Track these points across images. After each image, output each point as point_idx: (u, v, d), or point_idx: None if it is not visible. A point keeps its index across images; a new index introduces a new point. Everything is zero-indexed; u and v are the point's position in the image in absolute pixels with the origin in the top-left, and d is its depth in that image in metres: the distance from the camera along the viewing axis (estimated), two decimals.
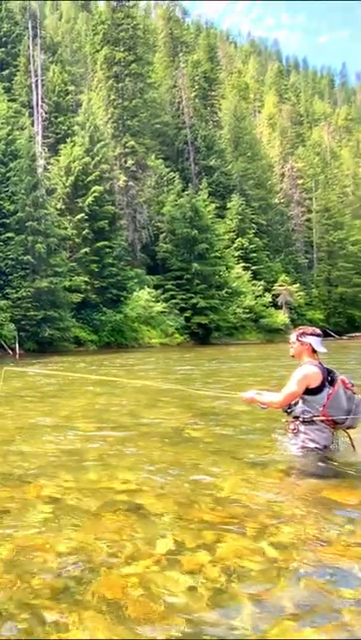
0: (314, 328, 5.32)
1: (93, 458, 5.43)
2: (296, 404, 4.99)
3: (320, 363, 5.04)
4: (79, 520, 3.66)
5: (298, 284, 62.23)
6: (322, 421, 4.92)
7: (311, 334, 5.15)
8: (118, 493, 4.23)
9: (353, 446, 5.02)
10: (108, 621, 2.44)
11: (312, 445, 4.98)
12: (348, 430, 5.01)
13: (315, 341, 5.10)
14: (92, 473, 4.86)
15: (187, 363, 22.83)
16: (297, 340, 5.17)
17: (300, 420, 4.99)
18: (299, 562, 2.99)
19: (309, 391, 4.90)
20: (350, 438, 5.02)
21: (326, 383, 4.90)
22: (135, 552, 3.13)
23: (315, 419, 4.91)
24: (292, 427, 5.09)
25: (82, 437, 6.57)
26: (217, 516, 3.66)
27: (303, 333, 5.18)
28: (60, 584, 2.78)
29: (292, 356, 5.25)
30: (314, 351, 5.10)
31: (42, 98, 48.60)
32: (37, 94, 48.36)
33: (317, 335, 5.18)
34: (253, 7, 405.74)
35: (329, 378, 4.95)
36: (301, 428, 5.00)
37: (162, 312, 44.37)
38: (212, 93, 73.00)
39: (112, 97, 52.25)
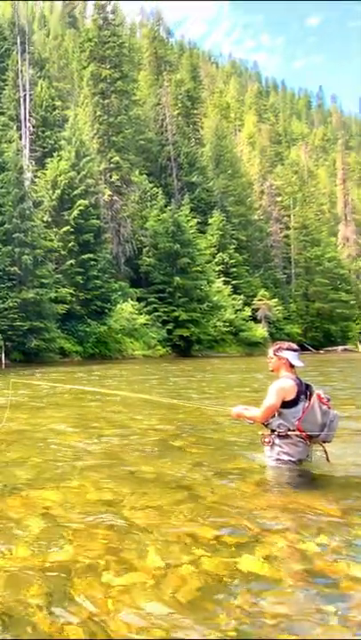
0: (290, 343, 5.35)
1: (78, 469, 5.41)
2: (273, 416, 5.03)
3: (297, 377, 5.09)
4: (62, 533, 3.64)
5: (276, 299, 62.96)
6: (297, 435, 4.94)
7: (287, 349, 5.19)
8: (101, 506, 4.20)
9: (327, 459, 5.08)
10: (91, 636, 2.45)
11: (286, 458, 5.02)
12: (323, 443, 5.05)
13: (291, 356, 5.14)
14: (75, 485, 4.82)
15: (176, 375, 22.92)
16: (274, 354, 5.22)
17: (276, 433, 5.04)
18: (279, 574, 3.01)
19: (285, 404, 4.93)
20: (325, 451, 5.07)
21: (302, 397, 4.94)
22: (117, 566, 3.12)
23: (289, 432, 4.95)
24: (267, 440, 5.13)
25: (67, 449, 6.55)
26: (198, 528, 3.66)
27: (280, 348, 5.21)
28: (44, 599, 2.76)
29: (271, 371, 5.28)
30: (292, 365, 5.13)
31: (29, 112, 48.76)
32: (25, 108, 48.50)
33: (293, 350, 5.20)
34: (234, 30, 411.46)
35: (307, 392, 5.00)
36: (276, 441, 5.05)
37: (145, 324, 44.51)
38: (195, 112, 73.93)
39: (98, 113, 52.61)
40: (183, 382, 18.85)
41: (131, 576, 2.98)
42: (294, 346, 5.27)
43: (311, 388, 5.05)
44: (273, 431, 5.06)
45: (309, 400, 4.92)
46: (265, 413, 5.04)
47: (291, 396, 4.91)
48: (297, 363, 5.12)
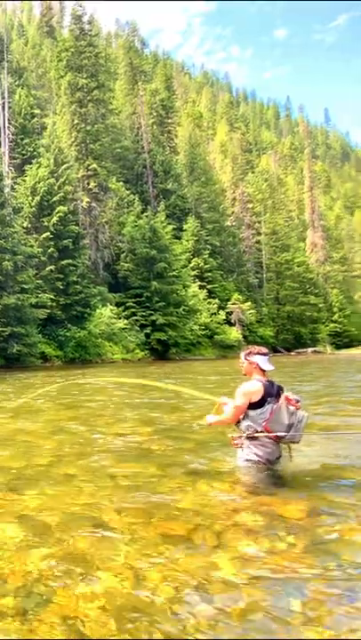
0: (260, 347, 5.35)
1: (57, 473, 5.41)
2: (243, 418, 5.05)
3: (268, 380, 5.08)
4: (40, 537, 3.62)
5: (249, 303, 63.29)
6: (265, 436, 4.95)
7: (257, 353, 5.19)
8: (77, 507, 4.20)
9: (290, 456, 5.11)
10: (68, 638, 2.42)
11: (255, 459, 5.02)
12: (291, 443, 5.06)
13: (261, 360, 5.14)
14: (54, 488, 4.81)
15: (165, 376, 22.80)
16: (245, 359, 5.23)
17: (245, 435, 5.04)
18: (249, 573, 3.01)
19: (252, 406, 4.94)
20: (290, 450, 5.11)
21: (269, 399, 4.93)
22: (93, 568, 3.10)
23: (257, 434, 4.96)
24: (236, 441, 5.16)
25: (46, 453, 6.52)
26: (173, 530, 3.67)
27: (250, 353, 5.22)
28: (20, 603, 2.73)
29: (244, 374, 5.27)
30: (263, 369, 5.14)
31: (9, 120, 48.07)
32: (4, 116, 47.80)
33: (263, 354, 5.21)
34: (206, 41, 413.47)
35: (278, 394, 4.98)
36: (246, 442, 5.06)
37: (123, 328, 44.26)
38: (169, 121, 73.78)
39: (75, 121, 52.18)
40: (186, 382, 18.65)
41: (106, 578, 2.97)
42: (264, 350, 5.28)
43: (282, 389, 5.04)
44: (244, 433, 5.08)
45: (277, 401, 4.92)
46: (232, 415, 5.06)
47: (257, 398, 4.92)
48: (267, 366, 5.12)
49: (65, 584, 2.92)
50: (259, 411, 4.92)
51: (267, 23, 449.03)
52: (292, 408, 4.84)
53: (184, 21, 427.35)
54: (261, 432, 4.93)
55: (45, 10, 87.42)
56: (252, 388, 4.99)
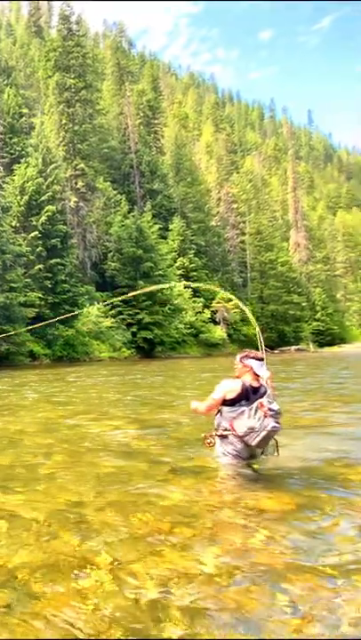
0: (256, 352, 5.34)
1: (43, 470, 5.40)
2: (218, 413, 5.11)
3: (256, 386, 5.06)
4: (26, 534, 3.61)
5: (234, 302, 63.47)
6: (233, 435, 4.94)
7: (253, 358, 5.19)
8: (64, 505, 4.19)
9: (277, 452, 5.24)
10: (55, 636, 2.43)
11: (229, 457, 5.06)
12: (275, 438, 5.03)
13: (255, 365, 5.13)
14: (41, 486, 4.80)
15: (160, 375, 23.08)
16: (240, 361, 5.22)
17: (217, 433, 5.09)
18: (234, 567, 3.03)
19: (225, 402, 4.99)
20: (276, 445, 5.19)
21: (244, 401, 4.91)
22: (79, 565, 3.09)
23: (225, 432, 4.99)
24: (208, 441, 5.21)
25: (33, 450, 6.49)
26: (157, 526, 3.68)
27: (246, 356, 5.22)
28: (6, 599, 2.72)
29: (237, 376, 5.21)
30: (256, 374, 5.11)
31: None
32: None
33: (259, 359, 5.20)
34: (192, 42, 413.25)
35: (256, 398, 4.92)
36: (217, 440, 5.13)
37: (110, 327, 44.45)
38: (156, 121, 73.99)
39: (63, 121, 52.23)
40: (171, 380, 18.96)
41: (91, 574, 2.97)
42: (260, 355, 5.30)
43: (265, 396, 4.95)
44: (216, 430, 5.13)
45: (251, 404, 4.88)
46: (206, 406, 5.17)
47: (231, 396, 4.96)
48: (260, 372, 5.12)
49: (50, 580, 2.91)
50: (230, 408, 4.95)
51: (252, 25, 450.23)
52: (260, 414, 4.75)
53: (171, 22, 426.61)
54: (227, 430, 4.97)
55: (33, 10, 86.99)
56: (231, 385, 5.03)
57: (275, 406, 4.79)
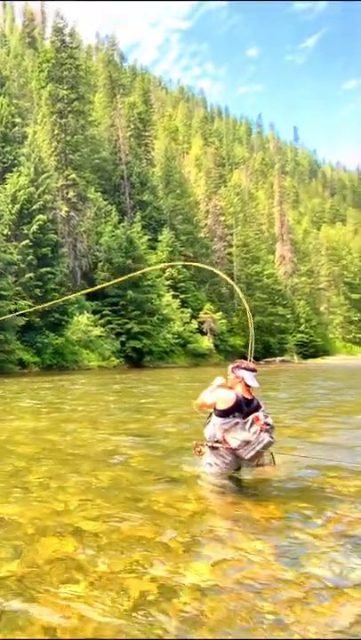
0: (248, 363, 5.17)
1: (31, 479, 5.34)
2: (209, 423, 5.03)
3: (248, 398, 4.97)
4: (14, 542, 3.57)
5: (220, 313, 63.93)
6: (224, 448, 4.84)
7: (245, 368, 5.04)
8: (53, 514, 4.16)
9: (274, 462, 5.14)
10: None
11: (215, 468, 4.98)
12: (269, 448, 4.92)
13: (247, 375, 5.00)
14: (29, 494, 4.76)
15: (150, 384, 22.93)
16: (232, 372, 5.10)
17: (208, 444, 5.00)
18: (220, 577, 3.04)
19: (218, 413, 4.89)
20: (272, 455, 5.08)
21: (236, 413, 4.81)
22: (67, 573, 3.08)
23: (216, 444, 4.88)
24: (197, 449, 5.11)
25: (21, 458, 6.43)
26: (146, 535, 3.67)
27: (237, 367, 5.08)
28: None
29: (229, 387, 5.10)
30: (248, 385, 4.99)
31: None
32: None
33: (251, 370, 5.05)
34: (182, 57, 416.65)
35: (251, 412, 4.86)
36: (207, 451, 5.04)
37: (99, 336, 44.28)
38: (146, 134, 74.32)
39: (56, 131, 52.29)
40: (161, 389, 18.88)
41: (79, 583, 2.96)
42: (252, 366, 5.14)
43: (258, 409, 4.92)
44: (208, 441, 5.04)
45: (245, 418, 4.81)
46: (201, 403, 5.12)
47: (223, 407, 4.85)
48: (252, 383, 5.00)
49: (38, 588, 2.89)
50: (223, 420, 4.83)
51: (240, 42, 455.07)
52: (255, 428, 4.70)
53: (161, 37, 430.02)
54: (219, 442, 4.87)
55: (27, 21, 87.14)
56: (225, 395, 4.91)
57: (270, 420, 4.78)
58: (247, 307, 7.13)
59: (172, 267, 61.25)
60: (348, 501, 4.51)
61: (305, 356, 76.32)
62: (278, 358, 67.39)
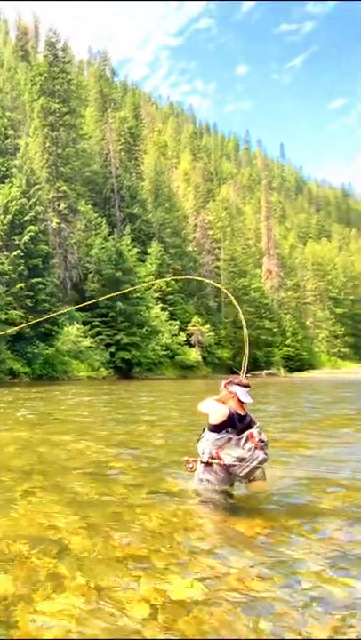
0: (241, 378, 5.06)
1: (19, 492, 5.25)
2: (201, 439, 4.97)
3: (241, 414, 4.90)
4: (1, 557, 3.54)
5: (208, 325, 64.23)
6: (217, 464, 4.77)
7: (237, 384, 4.94)
8: (39, 529, 4.11)
9: (265, 477, 5.05)
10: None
11: (209, 485, 4.91)
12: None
13: (240, 391, 4.89)
14: (16, 508, 4.69)
15: (140, 395, 23.03)
16: (224, 387, 4.99)
17: (200, 460, 4.93)
18: (208, 592, 3.03)
19: (210, 427, 4.82)
20: (262, 470, 4.98)
21: (229, 429, 4.74)
22: (52, 590, 3.05)
23: (211, 460, 4.79)
24: (189, 465, 5.03)
25: (9, 470, 6.32)
26: (133, 551, 3.64)
27: (230, 382, 4.97)
28: None
29: (222, 403, 4.97)
30: (241, 400, 4.90)
31: None
32: None
33: (244, 385, 4.95)
34: (172, 74, 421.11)
35: (245, 429, 4.79)
36: (200, 467, 4.96)
37: (89, 347, 44.27)
38: (136, 148, 74.98)
39: (47, 144, 52.54)
40: (157, 401, 18.98)
41: (66, 599, 2.93)
42: (245, 381, 5.02)
43: (252, 426, 4.86)
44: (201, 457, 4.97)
45: (238, 434, 4.74)
46: (199, 408, 5.00)
47: (215, 421, 4.77)
48: (245, 399, 4.89)
49: (26, 603, 2.88)
50: (216, 436, 4.76)
51: (229, 60, 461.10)
52: (250, 445, 4.62)
53: (152, 54, 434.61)
54: (213, 458, 4.79)
55: (21, 34, 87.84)
56: (218, 410, 4.82)
57: (264, 437, 4.73)
58: (244, 323, 6.97)
59: (186, 281, 61.79)
60: (334, 516, 4.52)
61: (291, 370, 76.78)
62: (265, 371, 67.69)
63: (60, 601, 2.92)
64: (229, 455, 4.66)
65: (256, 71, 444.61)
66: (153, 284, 57.53)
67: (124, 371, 47.89)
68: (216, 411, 4.81)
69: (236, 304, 7.82)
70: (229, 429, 4.75)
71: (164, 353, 54.04)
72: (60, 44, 59.26)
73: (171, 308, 60.65)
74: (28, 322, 37.95)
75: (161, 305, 59.09)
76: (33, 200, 43.10)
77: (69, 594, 3.00)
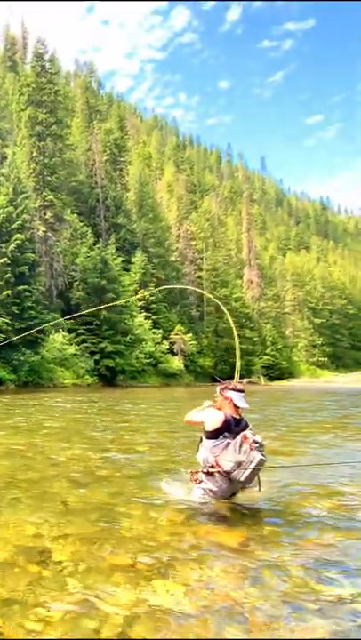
0: (236, 384, 5.08)
1: (5, 499, 5.23)
2: (200, 447, 4.97)
3: (237, 418, 4.92)
4: None
5: (191, 334, 64.58)
6: (218, 472, 4.74)
7: (232, 389, 4.95)
8: (25, 537, 4.09)
9: (259, 486, 4.88)
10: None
11: (211, 495, 4.90)
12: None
13: (235, 396, 4.91)
14: (2, 515, 4.68)
15: (131, 403, 23.15)
16: (220, 393, 5.01)
17: (202, 470, 4.90)
18: (189, 603, 3.02)
19: (207, 434, 4.84)
20: (258, 480, 4.84)
21: (226, 434, 4.76)
22: (38, 599, 3.04)
23: (212, 470, 4.77)
24: (194, 478, 5.00)
25: None
26: (121, 559, 3.63)
27: (225, 388, 4.99)
28: None
29: (218, 408, 5.01)
30: (236, 405, 4.90)
31: None
32: None
33: (239, 391, 4.96)
34: (156, 87, 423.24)
35: (240, 432, 4.77)
36: (203, 478, 4.92)
37: (74, 354, 44.30)
38: (121, 159, 75.25)
39: (34, 154, 52.64)
40: (143, 409, 19.16)
41: (54, 609, 2.92)
42: (240, 386, 5.04)
43: (246, 429, 4.85)
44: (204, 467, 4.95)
45: (234, 438, 4.73)
46: (188, 419, 5.14)
47: (210, 427, 4.80)
48: (241, 404, 4.90)
49: (13, 612, 2.89)
50: (213, 442, 4.77)
51: (212, 75, 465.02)
52: (245, 447, 4.56)
53: (137, 67, 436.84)
54: (213, 467, 4.76)
55: (9, 45, 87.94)
56: (213, 416, 4.85)
57: (258, 438, 4.65)
58: (235, 332, 7.05)
59: (169, 290, 62.08)
60: (319, 523, 4.56)
61: (271, 378, 77.37)
62: (245, 380, 67.87)
63: (44, 609, 2.91)
64: (227, 461, 4.64)
65: (238, 85, 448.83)
66: (145, 297, 57.78)
67: (109, 378, 47.99)
68: (211, 417, 4.84)
69: (225, 310, 8.21)
70: (226, 434, 4.78)
71: (148, 361, 54.27)
72: (48, 55, 59.61)
73: (154, 317, 60.93)
74: (14, 328, 38.05)
75: (145, 314, 59.36)
76: (20, 208, 43.17)
77: (53, 602, 3.00)
